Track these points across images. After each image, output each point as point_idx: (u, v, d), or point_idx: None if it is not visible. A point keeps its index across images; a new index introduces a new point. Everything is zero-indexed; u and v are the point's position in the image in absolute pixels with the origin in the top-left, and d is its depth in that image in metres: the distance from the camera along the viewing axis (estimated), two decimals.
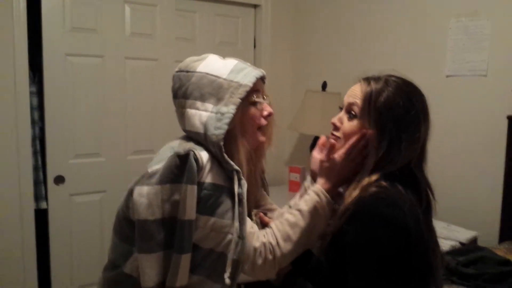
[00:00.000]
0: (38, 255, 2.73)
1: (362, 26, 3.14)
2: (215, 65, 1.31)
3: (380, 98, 1.14)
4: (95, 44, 2.87)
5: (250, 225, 1.29)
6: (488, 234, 2.35)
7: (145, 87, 3.06)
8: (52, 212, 2.79)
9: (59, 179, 2.79)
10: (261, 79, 1.37)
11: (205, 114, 1.27)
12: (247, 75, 1.29)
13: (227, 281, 1.21)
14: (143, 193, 1.22)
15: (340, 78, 3.24)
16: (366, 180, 1.13)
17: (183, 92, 1.31)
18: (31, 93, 2.69)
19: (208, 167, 1.24)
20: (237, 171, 1.25)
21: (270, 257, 1.24)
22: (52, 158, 2.77)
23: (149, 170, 1.25)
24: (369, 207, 1.07)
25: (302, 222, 1.26)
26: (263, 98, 1.35)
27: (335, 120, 1.25)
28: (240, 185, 1.25)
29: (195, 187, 1.19)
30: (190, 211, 1.19)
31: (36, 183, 2.73)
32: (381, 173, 1.12)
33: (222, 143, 1.24)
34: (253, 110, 1.32)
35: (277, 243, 1.25)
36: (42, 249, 2.79)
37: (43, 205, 2.76)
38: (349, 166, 1.24)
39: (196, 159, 1.21)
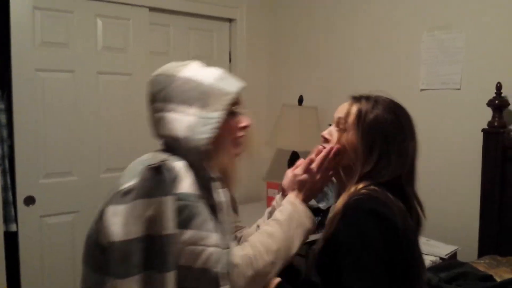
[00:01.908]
0: (8, 279, 2.61)
1: (337, 40, 3.15)
2: (198, 71, 1.30)
3: (370, 115, 1.22)
4: (66, 59, 2.79)
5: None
6: (467, 249, 2.35)
7: (118, 102, 2.99)
8: (22, 234, 2.67)
9: (29, 200, 2.69)
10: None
11: (188, 119, 1.23)
12: (231, 84, 1.29)
13: None
14: (118, 212, 1.12)
15: (317, 92, 3.25)
16: (353, 187, 1.19)
17: (164, 96, 1.26)
18: None
19: (182, 176, 1.19)
20: (215, 180, 1.24)
21: (250, 272, 1.18)
22: (21, 177, 2.67)
23: (122, 188, 1.15)
24: (359, 204, 1.12)
25: (279, 232, 1.25)
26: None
27: (324, 133, 1.33)
28: (219, 194, 1.24)
29: (170, 198, 1.14)
30: (168, 224, 1.13)
31: (5, 204, 2.61)
32: (370, 182, 1.18)
33: (205, 148, 1.22)
34: (232, 121, 1.30)
35: (258, 254, 1.21)
36: (12, 273, 2.67)
37: (13, 227, 2.64)
38: (322, 178, 1.32)
39: (169, 169, 1.17)
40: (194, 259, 1.16)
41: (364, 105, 1.24)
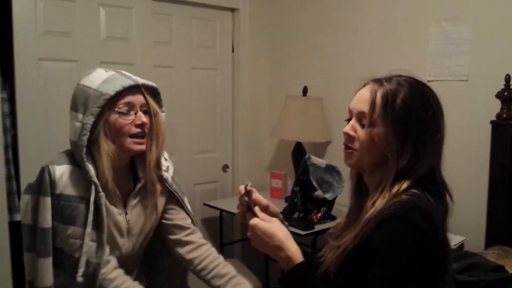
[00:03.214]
0: (12, 268, 2.60)
1: (342, 30, 3.13)
2: (92, 77, 1.43)
3: (397, 100, 1.09)
4: (69, 48, 2.76)
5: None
6: (475, 239, 2.36)
7: None
8: None
9: None
10: (147, 89, 1.48)
11: (76, 125, 1.40)
12: (114, 84, 1.39)
13: (79, 279, 1.36)
14: (24, 200, 1.42)
15: (321, 83, 3.23)
16: (396, 188, 1.07)
17: (70, 102, 1.46)
18: (2, 99, 2.56)
19: (63, 180, 1.38)
20: (94, 183, 1.38)
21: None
22: (25, 167, 2.64)
23: (31, 181, 1.43)
24: (406, 215, 1.01)
25: None
26: (140, 108, 1.45)
27: (347, 129, 1.16)
28: (98, 196, 1.39)
29: (48, 198, 1.35)
30: (43, 220, 1.35)
31: (9, 194, 2.59)
32: (412, 180, 1.08)
33: (83, 154, 1.37)
34: (118, 119, 1.41)
35: None
36: (17, 262, 2.66)
37: (17, 217, 2.63)
38: None
39: (50, 172, 1.37)
40: (74, 250, 1.39)
41: (388, 88, 1.10)
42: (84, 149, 1.37)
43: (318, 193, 2.56)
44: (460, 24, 2.53)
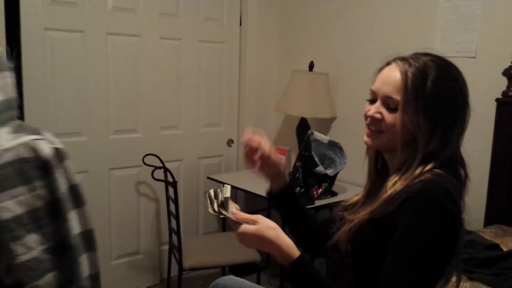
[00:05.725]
0: None
1: (350, 4, 3.08)
2: None
3: (427, 83, 1.06)
4: (76, 18, 2.75)
5: None
6: (474, 218, 2.35)
7: (127, 64, 2.97)
8: None
9: None
10: None
11: None
12: None
13: None
14: None
15: (328, 58, 3.20)
16: (419, 169, 1.07)
17: None
18: (8, 68, 2.57)
19: None
20: None
21: None
22: None
23: None
24: (432, 195, 1.02)
25: None
26: None
27: (372, 113, 1.14)
28: None
29: None
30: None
31: None
32: (436, 163, 1.07)
33: None
34: None
35: None
36: None
37: None
38: None
39: None
40: None
41: (418, 76, 1.07)
42: None
43: (320, 168, 2.57)
44: None
